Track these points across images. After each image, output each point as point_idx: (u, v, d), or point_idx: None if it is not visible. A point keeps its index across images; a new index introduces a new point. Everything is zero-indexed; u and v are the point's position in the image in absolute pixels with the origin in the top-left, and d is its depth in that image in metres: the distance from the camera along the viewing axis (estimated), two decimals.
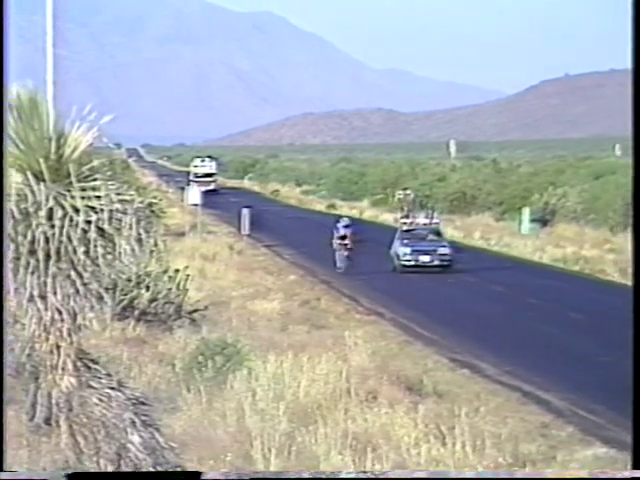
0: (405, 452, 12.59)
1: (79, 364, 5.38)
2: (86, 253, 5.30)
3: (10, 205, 5.28)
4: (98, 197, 5.34)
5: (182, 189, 63.97)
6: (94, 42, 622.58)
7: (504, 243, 45.54)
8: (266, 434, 12.94)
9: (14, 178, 5.31)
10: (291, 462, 12.51)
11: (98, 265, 5.32)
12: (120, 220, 5.34)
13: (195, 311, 21.14)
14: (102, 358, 5.90)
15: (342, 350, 18.46)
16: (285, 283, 31.54)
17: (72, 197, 5.32)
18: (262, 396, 14.55)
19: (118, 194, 5.39)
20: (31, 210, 5.28)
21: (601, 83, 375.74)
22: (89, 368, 5.41)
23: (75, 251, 5.29)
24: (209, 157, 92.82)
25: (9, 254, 5.21)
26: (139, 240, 5.35)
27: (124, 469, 5.33)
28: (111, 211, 5.34)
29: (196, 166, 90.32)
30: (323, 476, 7.49)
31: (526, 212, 52.31)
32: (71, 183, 5.35)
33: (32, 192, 5.30)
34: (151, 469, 5.36)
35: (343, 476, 7.30)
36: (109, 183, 5.41)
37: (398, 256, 35.93)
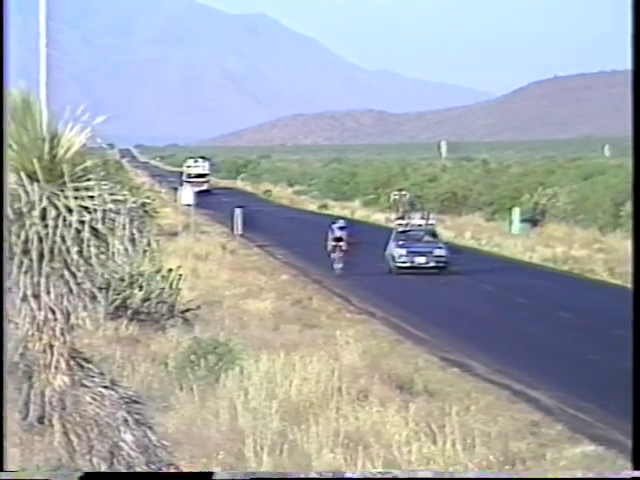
0: (396, 450, 12.60)
1: (72, 363, 5.37)
2: (79, 253, 5.30)
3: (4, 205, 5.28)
4: (91, 197, 5.35)
5: (175, 189, 63.93)
6: (87, 44, 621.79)
7: (494, 243, 45.61)
8: (258, 432, 12.94)
9: (8, 178, 5.31)
10: (283, 460, 12.51)
11: (91, 265, 5.32)
12: (113, 220, 5.35)
13: (188, 310, 21.12)
14: (95, 357, 5.90)
15: (334, 349, 18.46)
16: (277, 283, 31.54)
17: (65, 197, 5.32)
18: (254, 395, 14.55)
19: (111, 194, 5.39)
20: (24, 210, 5.28)
21: (589, 85, 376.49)
22: (82, 367, 5.41)
23: (68, 251, 5.29)
24: (202, 158, 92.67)
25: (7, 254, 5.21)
26: (132, 240, 5.35)
27: (117, 467, 5.33)
28: (104, 211, 5.34)
29: (189, 167, 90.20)
30: (330, 476, 7.50)
31: (516, 212, 52.39)
32: (64, 183, 5.35)
33: (25, 192, 5.30)
34: (144, 467, 5.36)
35: (349, 476, 7.31)
36: (102, 183, 5.41)
37: (393, 257, 35.27)
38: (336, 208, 71.09)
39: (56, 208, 5.34)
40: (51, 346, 5.38)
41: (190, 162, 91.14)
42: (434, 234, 36.68)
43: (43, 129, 5.45)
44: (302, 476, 7.64)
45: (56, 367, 5.37)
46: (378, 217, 62.40)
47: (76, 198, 5.37)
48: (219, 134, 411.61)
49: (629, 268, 36.75)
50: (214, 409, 14.17)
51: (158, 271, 21.04)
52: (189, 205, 49.97)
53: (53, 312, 5.35)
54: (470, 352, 21.06)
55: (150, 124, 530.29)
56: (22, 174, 5.39)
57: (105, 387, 5.44)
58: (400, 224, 36.91)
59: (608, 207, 49.95)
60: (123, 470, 5.40)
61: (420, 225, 36.57)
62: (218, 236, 46.38)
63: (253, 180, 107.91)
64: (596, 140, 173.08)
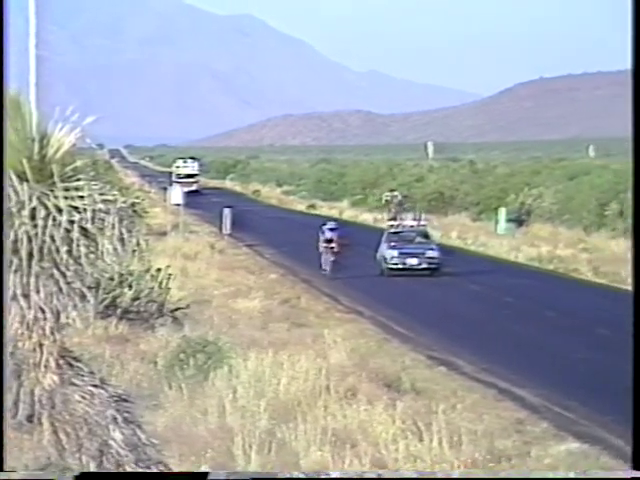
0: (383, 448, 12.61)
1: (62, 362, 5.36)
2: (69, 252, 5.28)
3: None
4: (81, 197, 5.33)
5: (165, 189, 63.85)
6: (76, 44, 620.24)
7: (480, 243, 45.67)
8: (247, 431, 12.92)
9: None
10: (271, 458, 12.50)
11: (81, 264, 5.31)
12: (103, 220, 5.34)
13: (177, 309, 21.09)
14: (85, 356, 5.88)
15: (322, 348, 18.47)
16: (266, 282, 31.52)
17: (55, 197, 5.31)
18: (243, 393, 14.54)
19: (101, 194, 5.38)
20: (14, 210, 5.27)
21: (574, 86, 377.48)
22: (72, 366, 5.40)
23: (58, 250, 5.28)
24: (191, 158, 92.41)
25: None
26: (122, 239, 5.34)
27: (106, 466, 5.32)
28: (94, 211, 5.33)
29: (178, 167, 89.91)
30: (328, 476, 7.50)
31: (502, 212, 52.48)
32: (54, 183, 5.34)
33: (15, 192, 5.28)
34: (133, 466, 5.35)
35: (349, 476, 7.31)
36: (92, 183, 5.40)
37: (385, 259, 34.62)
38: (324, 208, 71.11)
39: (46, 208, 5.33)
40: (41, 345, 5.36)
41: (179, 162, 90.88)
42: (426, 235, 35.96)
43: (33, 129, 5.43)
44: (302, 476, 7.63)
45: (46, 366, 5.35)
46: (366, 217, 62.43)
47: (66, 198, 5.36)
48: (208, 134, 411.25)
49: (613, 267, 36.85)
50: (203, 407, 14.15)
51: (147, 270, 21.00)
52: (178, 205, 49.89)
53: (43, 311, 5.34)
54: (456, 351, 21.09)
55: (139, 124, 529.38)
56: (12, 174, 5.37)
57: (94, 386, 5.42)
58: (392, 225, 36.44)
59: (593, 207, 50.08)
60: (112, 468, 5.39)
61: (412, 226, 36.08)
62: (207, 236, 46.33)
63: (242, 180, 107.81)
64: (581, 141, 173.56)
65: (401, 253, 34.62)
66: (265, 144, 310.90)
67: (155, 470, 5.43)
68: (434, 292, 31.87)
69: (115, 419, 5.41)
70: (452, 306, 29.13)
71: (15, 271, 5.32)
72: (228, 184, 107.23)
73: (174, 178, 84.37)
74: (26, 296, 5.33)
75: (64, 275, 5.35)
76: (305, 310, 25.88)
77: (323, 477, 7.64)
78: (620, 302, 30.35)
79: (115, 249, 5.38)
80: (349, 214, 64.46)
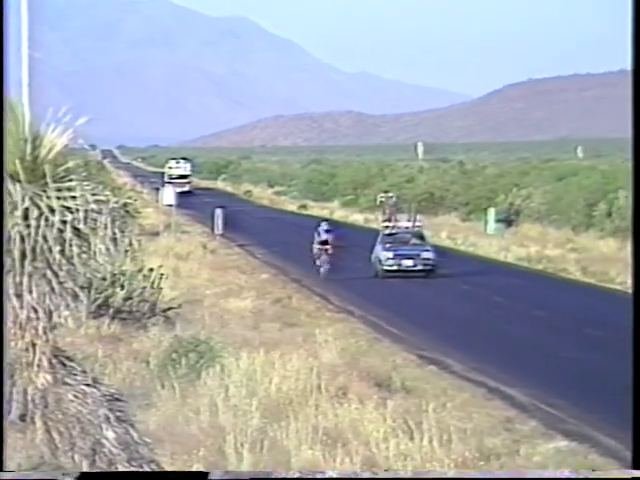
0: (374, 447, 12.61)
1: (54, 361, 5.35)
2: (62, 252, 5.28)
3: None
4: (74, 197, 5.32)
5: (157, 190, 63.76)
6: (68, 46, 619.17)
7: (470, 243, 45.71)
8: (239, 429, 12.92)
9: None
10: (263, 457, 12.49)
11: (73, 264, 5.30)
12: (95, 220, 5.33)
13: (169, 309, 21.07)
14: (77, 355, 5.87)
15: (313, 347, 18.47)
16: (257, 282, 31.50)
17: (48, 197, 5.30)
18: (235, 392, 14.53)
19: (93, 194, 5.37)
20: (7, 210, 5.26)
21: (563, 87, 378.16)
22: (64, 365, 5.39)
23: (51, 250, 5.27)
24: (184, 159, 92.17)
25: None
26: (114, 240, 5.34)
27: (99, 464, 5.31)
28: (86, 211, 5.32)
29: (171, 167, 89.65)
30: (333, 476, 7.49)
31: (491, 212, 52.55)
32: (47, 184, 5.33)
33: (8, 192, 5.27)
34: (125, 464, 5.34)
35: (349, 476, 7.29)
36: (84, 184, 5.39)
37: (380, 260, 33.92)
38: (315, 208, 71.11)
39: (38, 208, 5.32)
40: (33, 344, 5.35)
41: (172, 163, 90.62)
42: (421, 236, 35.22)
43: (25, 130, 5.42)
44: (303, 476, 7.62)
45: (38, 365, 5.34)
46: (357, 217, 62.44)
47: (58, 198, 5.35)
48: (200, 135, 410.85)
49: (601, 267, 36.91)
50: (195, 406, 14.14)
51: (140, 270, 20.97)
52: (170, 205, 49.85)
53: (35, 311, 5.33)
54: (447, 350, 21.11)
55: (132, 125, 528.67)
56: (5, 174, 5.36)
57: (87, 385, 5.42)
58: (386, 226, 35.43)
59: (581, 207, 50.17)
60: (105, 467, 5.38)
61: (407, 227, 35.53)
62: (199, 236, 46.29)
63: (234, 181, 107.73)
64: (569, 142, 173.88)
65: (396, 255, 34.08)
66: (257, 145, 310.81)
67: (156, 470, 5.43)
68: (424, 291, 31.88)
69: (108, 418, 5.40)
70: (442, 305, 29.15)
71: (8, 271, 5.31)
72: (220, 185, 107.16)
73: (166, 179, 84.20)
74: (19, 296, 5.32)
75: (57, 275, 5.34)
76: (296, 310, 25.87)
77: (322, 477, 7.63)
78: (608, 301, 30.45)
79: (107, 249, 5.37)
80: (340, 214, 64.47)
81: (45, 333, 5.36)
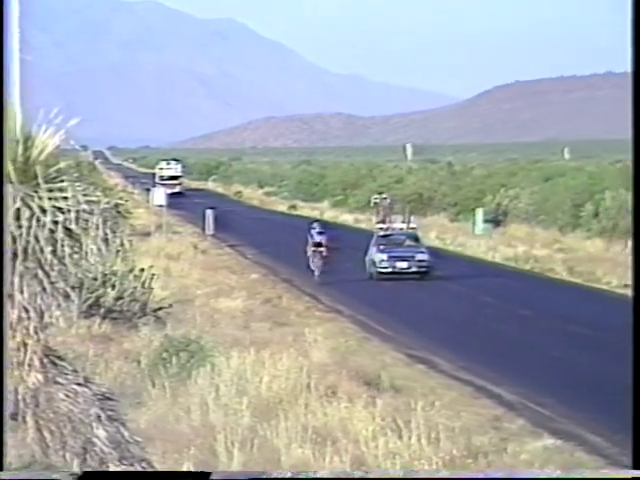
0: (363, 445, 12.62)
1: (46, 361, 5.34)
2: (53, 252, 5.27)
3: None
4: (65, 198, 5.32)
5: (148, 190, 63.67)
6: (59, 48, 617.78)
7: (458, 243, 45.76)
8: (229, 428, 12.92)
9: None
10: (253, 455, 12.49)
11: (65, 264, 5.29)
12: (87, 220, 5.32)
13: (160, 309, 21.04)
14: (69, 355, 5.86)
15: (303, 346, 18.47)
16: (248, 282, 31.48)
17: (39, 198, 5.29)
18: (225, 391, 14.53)
19: (85, 195, 5.36)
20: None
21: (550, 89, 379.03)
22: (56, 365, 5.38)
23: (42, 250, 5.26)
24: (174, 160, 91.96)
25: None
26: (105, 240, 5.33)
27: (90, 463, 5.31)
28: (78, 211, 5.32)
29: (162, 169, 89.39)
30: (333, 476, 7.50)
31: (479, 213, 52.63)
32: (38, 184, 5.32)
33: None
34: (116, 463, 5.34)
35: (353, 476, 7.29)
36: (76, 184, 5.38)
37: (374, 263, 33.25)
38: (305, 209, 71.12)
39: (30, 209, 5.31)
40: (25, 344, 5.34)
41: (163, 164, 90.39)
42: (416, 238, 34.57)
43: (17, 131, 5.41)
44: (302, 476, 7.62)
45: (30, 365, 5.33)
46: (346, 218, 62.46)
47: (50, 199, 5.34)
48: (191, 136, 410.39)
49: (588, 267, 36.99)
50: (186, 405, 14.13)
51: (131, 270, 20.94)
52: (161, 206, 49.80)
53: (27, 311, 5.32)
54: (435, 349, 21.13)
55: (123, 126, 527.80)
56: None
57: (78, 384, 5.41)
58: (381, 228, 34.61)
59: (568, 208, 50.29)
60: (96, 466, 5.38)
61: (401, 229, 34.91)
62: (190, 236, 46.24)
63: (224, 181, 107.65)
64: (556, 143, 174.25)
65: (390, 257, 33.17)
66: (247, 146, 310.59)
67: (158, 470, 5.43)
68: (413, 291, 31.90)
69: (99, 417, 5.40)
70: (430, 305, 29.18)
71: None
72: (210, 185, 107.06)
73: (157, 180, 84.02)
74: (10, 296, 5.31)
75: (48, 275, 5.33)
76: (286, 309, 25.87)
77: (321, 477, 7.65)
78: (594, 301, 30.54)
79: (99, 249, 5.37)
80: (330, 215, 64.48)
81: (36, 333, 5.35)
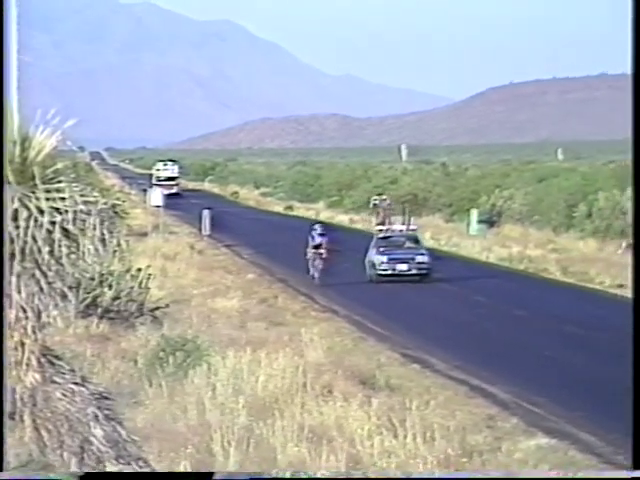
0: (359, 444, 12.62)
1: (43, 360, 5.34)
2: (50, 253, 5.26)
3: None
4: (62, 198, 5.31)
5: (145, 191, 63.62)
6: (57, 49, 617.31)
7: (453, 243, 45.78)
8: (225, 427, 12.90)
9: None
10: (250, 454, 12.48)
11: (62, 264, 5.29)
12: (84, 221, 5.32)
13: (157, 309, 21.02)
14: (66, 354, 5.86)
15: (299, 346, 18.47)
16: (244, 282, 31.47)
17: (37, 198, 5.29)
18: (221, 391, 14.51)
19: (82, 195, 5.36)
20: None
21: (544, 90, 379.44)
22: (53, 364, 5.37)
23: (40, 251, 5.26)
24: (171, 161, 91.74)
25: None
26: (103, 240, 5.33)
27: (87, 462, 5.30)
28: (75, 212, 5.31)
29: (158, 169, 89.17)
30: (333, 476, 7.50)
31: (474, 213, 52.66)
32: (36, 185, 5.32)
33: None
34: (113, 462, 5.33)
35: (352, 476, 7.29)
36: (73, 185, 5.38)
37: (374, 265, 32.56)
38: (301, 209, 71.13)
39: (27, 209, 5.30)
40: (22, 344, 5.33)
41: (160, 165, 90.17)
42: (416, 240, 33.83)
43: (14, 132, 5.41)
44: (302, 476, 7.62)
45: (27, 364, 5.33)
46: (342, 218, 62.47)
47: (47, 199, 5.33)
48: (187, 137, 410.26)
49: (581, 267, 37.03)
50: (182, 404, 14.11)
51: (128, 270, 20.92)
52: (158, 206, 49.77)
53: (24, 311, 5.31)
54: (430, 349, 21.14)
55: (120, 127, 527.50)
56: None
57: (76, 384, 5.40)
58: (380, 230, 33.91)
59: (561, 209, 50.34)
60: (93, 465, 5.37)
61: (401, 230, 33.77)
62: (186, 236, 46.21)
63: (221, 182, 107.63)
64: (550, 144, 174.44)
65: (390, 259, 32.44)
66: (243, 147, 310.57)
67: (157, 470, 5.42)
68: (408, 291, 31.89)
69: (96, 416, 5.39)
70: (425, 305, 29.18)
71: None
72: (207, 186, 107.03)
73: (154, 181, 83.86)
74: (7, 296, 5.30)
75: (45, 275, 5.32)
76: (282, 309, 25.86)
77: (320, 477, 7.66)
78: (588, 301, 30.56)
79: (96, 249, 5.36)
80: (325, 215, 64.50)
81: (34, 332, 5.34)
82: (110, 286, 20.08)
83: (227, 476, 6.91)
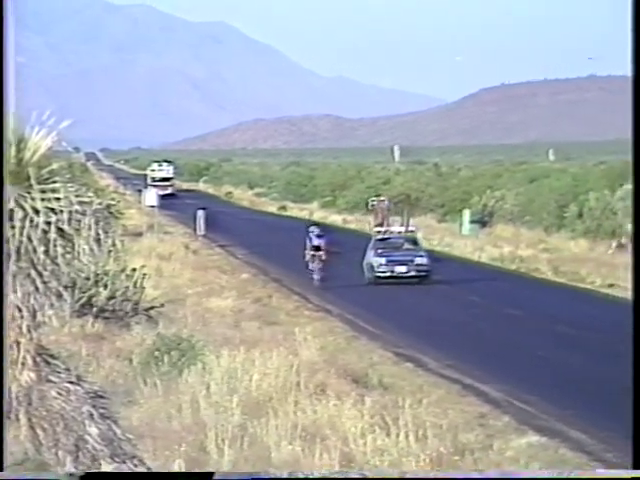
0: (352, 442, 12.62)
1: (38, 359, 5.33)
2: (46, 252, 5.25)
3: None
4: (58, 199, 5.30)
5: (139, 191, 63.55)
6: (52, 50, 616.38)
7: (446, 243, 45.81)
8: (220, 426, 12.90)
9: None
10: (244, 453, 12.48)
11: (58, 264, 5.28)
12: (79, 221, 5.31)
13: (152, 308, 20.99)
14: (61, 353, 5.84)
15: (292, 345, 18.46)
16: (238, 281, 31.45)
17: (32, 199, 5.28)
18: (216, 389, 14.50)
19: (77, 196, 5.35)
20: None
21: (535, 92, 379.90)
22: (48, 363, 5.36)
23: (35, 250, 5.25)
24: (166, 161, 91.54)
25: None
26: (98, 240, 5.32)
27: (82, 460, 5.29)
28: (70, 212, 5.30)
29: (153, 170, 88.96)
30: (333, 476, 7.49)
31: (466, 214, 52.70)
32: (31, 185, 5.31)
33: None
34: (108, 460, 5.32)
35: (352, 476, 7.29)
36: (68, 185, 5.37)
37: (372, 267, 31.94)
38: (295, 210, 71.13)
39: (23, 209, 5.29)
40: (18, 343, 5.32)
41: (154, 166, 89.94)
42: (415, 241, 33.19)
43: (9, 133, 5.39)
44: (300, 476, 7.62)
45: (23, 363, 5.32)
46: (335, 218, 62.49)
47: (42, 200, 5.32)
48: (182, 138, 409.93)
49: (572, 267, 37.07)
50: (177, 403, 14.10)
51: (123, 270, 20.89)
52: (153, 206, 49.72)
53: (20, 310, 5.30)
54: (423, 348, 21.15)
55: (115, 128, 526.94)
56: None
57: (71, 382, 5.39)
58: (379, 231, 33.21)
59: (552, 209, 50.41)
60: (88, 463, 5.36)
61: (399, 232, 33.11)
62: (181, 236, 46.18)
63: (215, 183, 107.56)
64: (541, 145, 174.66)
65: (389, 261, 31.80)
66: (237, 147, 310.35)
67: (159, 471, 5.41)
68: (400, 290, 31.89)
69: (91, 415, 5.38)
70: (418, 304, 29.19)
71: None
72: (201, 186, 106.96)
73: (149, 182, 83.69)
74: (4, 295, 5.29)
75: (41, 275, 5.31)
76: (276, 308, 25.85)
77: (317, 477, 7.64)
78: (579, 300, 30.60)
79: (91, 249, 5.35)
80: (319, 215, 64.51)
81: (29, 331, 5.33)
82: (105, 286, 20.05)
83: (227, 476, 6.89)
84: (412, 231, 34.03)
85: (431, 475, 11.00)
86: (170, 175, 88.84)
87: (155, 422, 13.27)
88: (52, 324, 5.35)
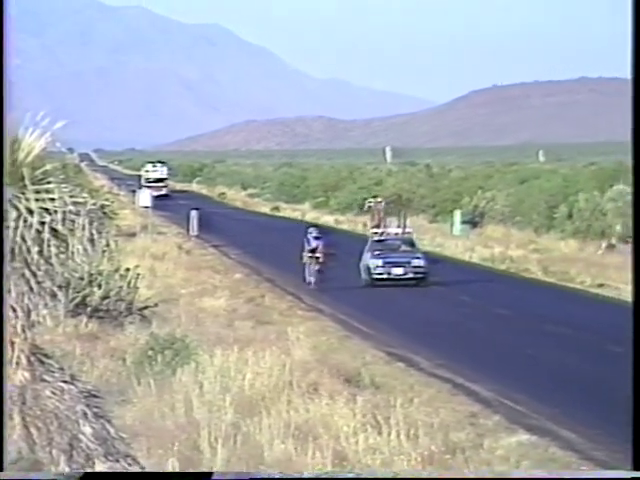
0: (344, 441, 12.62)
1: (33, 359, 5.32)
2: (40, 253, 5.25)
3: None
4: (52, 199, 5.30)
5: (133, 192, 63.48)
6: (47, 52, 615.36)
7: (437, 243, 45.86)
8: (213, 424, 12.89)
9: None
10: (237, 451, 12.47)
11: (52, 264, 5.27)
12: (73, 221, 5.31)
13: (145, 308, 20.98)
14: (56, 353, 5.84)
15: (285, 344, 18.46)
16: (231, 281, 31.43)
17: (26, 199, 5.27)
18: (209, 388, 14.50)
19: (71, 196, 5.34)
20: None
21: (527, 94, 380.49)
22: (42, 363, 5.36)
23: (29, 251, 5.24)
24: (160, 162, 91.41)
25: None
26: (92, 240, 5.32)
27: (76, 459, 5.28)
28: (64, 212, 5.30)
29: (147, 171, 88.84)
30: (332, 476, 7.48)
31: (457, 214, 52.77)
32: (25, 186, 5.30)
33: None
34: (102, 459, 5.32)
35: (350, 476, 7.29)
36: (62, 186, 5.36)
37: (369, 269, 31.46)
38: (287, 210, 71.15)
39: (17, 210, 5.29)
40: (12, 342, 5.31)
41: (148, 167, 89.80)
42: (412, 243, 32.64)
43: (8, 134, 5.39)
44: (304, 476, 7.61)
45: (17, 363, 5.31)
46: (327, 219, 62.52)
47: (37, 200, 5.32)
48: (175, 139, 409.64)
49: (562, 267, 37.16)
50: (170, 402, 14.09)
51: (117, 270, 20.87)
52: (147, 207, 49.70)
53: (14, 310, 5.29)
54: (414, 347, 21.16)
55: (109, 129, 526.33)
56: None
57: (65, 382, 5.39)
58: (375, 233, 32.70)
59: (542, 210, 50.49)
60: (82, 462, 5.35)
61: (396, 234, 32.66)
62: (174, 237, 46.14)
63: (208, 183, 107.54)
64: (532, 146, 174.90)
65: (386, 262, 31.35)
66: (230, 148, 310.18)
67: (159, 471, 5.41)
68: (392, 290, 31.90)
69: (85, 414, 5.37)
70: (409, 304, 29.20)
71: None
72: (195, 187, 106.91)
73: (143, 182, 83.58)
74: None
75: (35, 275, 5.31)
76: (269, 308, 25.84)
77: (314, 477, 7.66)
78: (569, 300, 30.66)
79: (85, 249, 5.35)
80: (311, 216, 64.54)
81: (23, 331, 5.32)
82: (99, 285, 20.03)
83: (224, 476, 6.88)
84: (409, 232, 33.60)
85: (424, 475, 11.01)
86: (164, 176, 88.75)
87: (149, 421, 13.25)
88: (46, 324, 5.34)
